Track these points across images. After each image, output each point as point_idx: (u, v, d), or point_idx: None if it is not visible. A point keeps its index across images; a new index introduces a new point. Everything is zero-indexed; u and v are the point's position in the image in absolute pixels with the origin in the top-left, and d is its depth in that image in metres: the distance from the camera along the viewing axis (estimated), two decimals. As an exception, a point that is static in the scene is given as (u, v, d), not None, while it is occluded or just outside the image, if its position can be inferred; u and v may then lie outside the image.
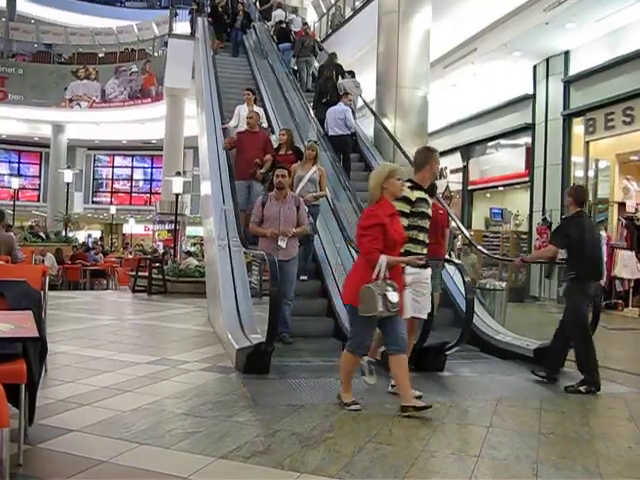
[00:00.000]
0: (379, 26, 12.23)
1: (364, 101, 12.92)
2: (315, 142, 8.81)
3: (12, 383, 3.12)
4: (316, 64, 15.15)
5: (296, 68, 15.34)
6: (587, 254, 5.58)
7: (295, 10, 20.26)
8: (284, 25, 17.07)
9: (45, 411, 4.02)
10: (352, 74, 12.74)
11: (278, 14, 18.33)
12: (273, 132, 10.88)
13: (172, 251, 18.26)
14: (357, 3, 19.72)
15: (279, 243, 6.65)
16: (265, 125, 10.93)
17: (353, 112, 11.13)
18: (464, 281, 6.16)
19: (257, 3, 20.91)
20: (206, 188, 9.88)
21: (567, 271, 5.82)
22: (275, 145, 9.26)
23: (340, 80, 12.35)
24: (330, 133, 10.72)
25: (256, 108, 10.59)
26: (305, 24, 17.22)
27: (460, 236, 10.43)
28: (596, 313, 6.09)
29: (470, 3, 13.63)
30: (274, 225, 6.77)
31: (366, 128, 12.68)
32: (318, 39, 18.17)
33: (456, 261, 7.32)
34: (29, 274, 4.50)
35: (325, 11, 24.34)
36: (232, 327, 6.38)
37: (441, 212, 7.18)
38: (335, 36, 20.11)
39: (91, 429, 3.83)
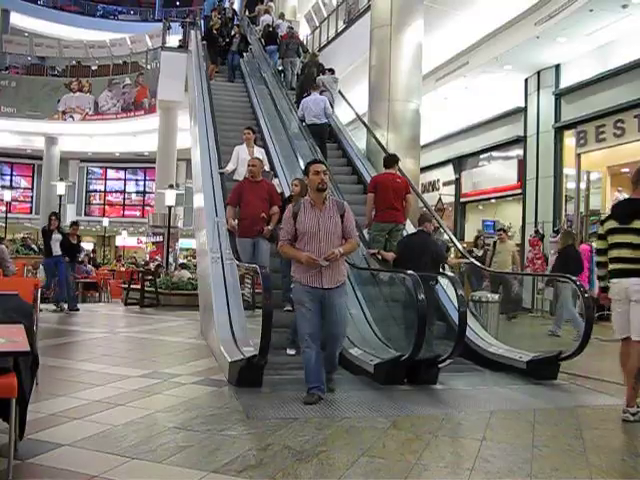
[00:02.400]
0: (371, 39, 12.30)
1: (356, 114, 13.00)
2: (300, 180, 7.69)
3: (2, 397, 3.10)
4: (299, 64, 15.88)
5: (281, 68, 16.46)
6: None
7: (282, 15, 20.53)
8: (271, 29, 17.96)
9: (36, 425, 3.98)
10: (332, 71, 13.85)
11: (266, 19, 19.00)
12: (276, 175, 10.21)
13: (164, 263, 18.24)
14: (350, 16, 19.84)
15: (320, 262, 5.09)
16: (267, 168, 9.52)
17: (330, 103, 12.19)
18: (457, 294, 6.16)
19: (246, 11, 21.90)
20: (199, 200, 9.87)
21: None
22: (279, 189, 8.82)
23: (320, 76, 13.33)
24: (309, 122, 11.66)
25: (257, 149, 9.64)
26: (291, 28, 17.75)
27: (453, 249, 10.46)
28: (588, 325, 6.10)
29: (461, 17, 13.75)
30: (312, 243, 5.18)
31: (359, 141, 12.72)
32: (303, 42, 18.89)
33: (449, 274, 7.35)
34: (21, 287, 4.49)
35: (318, 24, 24.47)
36: (225, 340, 6.36)
37: (399, 181, 8.45)
38: (327, 49, 20.21)
39: (82, 443, 3.80)
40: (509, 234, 12.72)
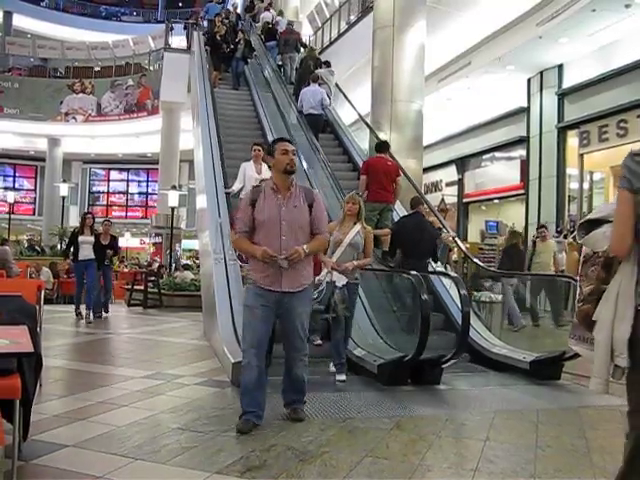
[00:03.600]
0: (374, 40, 12.31)
1: (359, 114, 13.00)
2: (358, 193, 7.01)
3: (6, 398, 3.10)
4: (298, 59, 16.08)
5: (281, 63, 16.67)
6: None
7: (281, 13, 20.76)
8: (270, 26, 18.37)
9: (39, 426, 3.99)
10: (328, 64, 14.34)
11: (266, 16, 19.33)
12: None
13: (165, 264, 18.29)
14: (352, 17, 19.86)
15: (279, 262, 4.25)
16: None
17: (328, 95, 12.63)
18: (460, 294, 6.15)
19: (246, 9, 22.08)
20: (202, 201, 9.87)
21: None
22: None
23: (317, 70, 13.68)
24: (306, 113, 12.16)
25: (265, 167, 8.65)
26: (290, 24, 18.18)
27: (456, 249, 10.43)
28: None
29: (464, 18, 13.75)
30: (272, 236, 4.31)
31: (362, 141, 12.73)
32: (303, 38, 18.81)
33: (452, 274, 7.34)
34: (25, 289, 4.49)
35: (320, 25, 24.48)
36: (228, 341, 6.35)
37: (390, 164, 8.95)
38: (330, 50, 20.21)
39: (86, 444, 3.81)
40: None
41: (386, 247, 8.36)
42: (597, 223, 2.55)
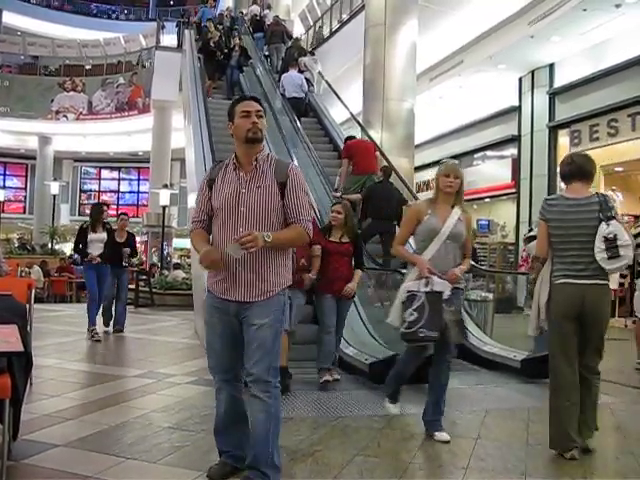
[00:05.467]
0: (366, 39, 12.32)
1: (351, 113, 13.00)
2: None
3: (-4, 398, 3.09)
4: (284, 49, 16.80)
5: (267, 54, 17.46)
6: None
7: (269, 6, 21.40)
8: (258, 18, 19.30)
9: (30, 426, 3.97)
10: (312, 53, 15.77)
11: (254, 9, 20.19)
12: None
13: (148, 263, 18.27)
14: (344, 16, 19.85)
15: (228, 249, 3.08)
16: None
17: (309, 80, 13.93)
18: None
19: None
20: (193, 200, 9.83)
21: None
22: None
23: (301, 58, 14.71)
24: (288, 96, 13.16)
25: None
26: (276, 16, 19.33)
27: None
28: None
29: (456, 16, 13.76)
30: (228, 226, 3.23)
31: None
32: (289, 30, 19.54)
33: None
34: (15, 288, 4.46)
35: (312, 24, 24.47)
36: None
37: (368, 143, 10.21)
38: (321, 48, 20.21)
39: (77, 444, 3.80)
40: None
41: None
42: (534, 237, 4.84)
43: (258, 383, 3.13)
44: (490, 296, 9.00)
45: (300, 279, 5.31)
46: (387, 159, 10.25)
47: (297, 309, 5.62)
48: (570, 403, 3.84)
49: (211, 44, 15.00)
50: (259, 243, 3.03)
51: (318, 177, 10.61)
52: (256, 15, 19.54)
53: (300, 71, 13.89)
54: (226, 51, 15.07)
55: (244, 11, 21.76)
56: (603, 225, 3.80)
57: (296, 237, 3.26)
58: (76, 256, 9.16)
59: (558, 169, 4.31)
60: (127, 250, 9.18)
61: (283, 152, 10.53)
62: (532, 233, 6.30)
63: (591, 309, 3.86)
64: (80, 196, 36.64)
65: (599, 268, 3.83)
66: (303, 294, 5.78)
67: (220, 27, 16.53)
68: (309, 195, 3.41)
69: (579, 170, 4.02)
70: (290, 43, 16.32)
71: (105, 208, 9.30)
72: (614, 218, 3.83)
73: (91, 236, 8.71)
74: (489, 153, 17.64)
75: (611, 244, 3.76)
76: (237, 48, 15.22)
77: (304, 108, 13.52)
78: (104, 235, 8.76)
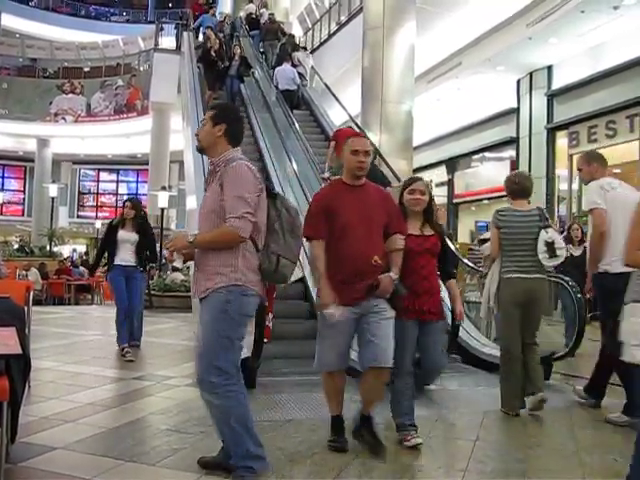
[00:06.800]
0: (364, 41, 12.33)
1: (349, 115, 12.99)
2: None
3: (-6, 401, 3.09)
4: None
5: (262, 50, 17.85)
6: None
7: (265, 5, 21.53)
8: (254, 16, 19.88)
9: (28, 429, 3.96)
10: (305, 48, 16.73)
11: (250, 7, 20.74)
12: None
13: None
14: (342, 18, 19.89)
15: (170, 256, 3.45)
16: None
17: (302, 75, 14.67)
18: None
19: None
20: (192, 202, 9.84)
21: None
22: None
23: (294, 53, 15.25)
24: (281, 88, 13.79)
25: None
26: (272, 14, 19.86)
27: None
28: (581, 325, 6.11)
29: (454, 18, 13.79)
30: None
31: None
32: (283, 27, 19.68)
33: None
34: (13, 290, 4.45)
35: (310, 26, 24.50)
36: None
37: (357, 130, 9.98)
38: (319, 51, 20.24)
39: (75, 446, 3.79)
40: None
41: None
42: (486, 240, 5.86)
43: (202, 384, 3.27)
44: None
45: (372, 285, 3.74)
46: (385, 161, 10.28)
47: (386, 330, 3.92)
48: (516, 371, 4.82)
49: (212, 53, 14.30)
50: (177, 244, 3.28)
51: (308, 164, 10.75)
52: (252, 13, 20.10)
53: (293, 65, 14.51)
54: (227, 64, 14.28)
55: (242, 14, 21.90)
56: (543, 232, 4.79)
57: (218, 236, 3.20)
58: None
59: (505, 185, 5.31)
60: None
61: (276, 142, 11.32)
62: (484, 236, 7.77)
63: (534, 297, 4.85)
64: (79, 198, 36.64)
65: (540, 265, 4.81)
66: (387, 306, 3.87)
67: (220, 35, 16.20)
68: (243, 188, 3.17)
69: (523, 190, 5.12)
70: (284, 39, 16.73)
71: (129, 205, 7.60)
72: (550, 227, 4.89)
73: (121, 234, 7.39)
74: (488, 155, 17.67)
75: (550, 247, 4.75)
76: (237, 57, 14.53)
77: (296, 101, 14.11)
78: (136, 236, 7.40)
